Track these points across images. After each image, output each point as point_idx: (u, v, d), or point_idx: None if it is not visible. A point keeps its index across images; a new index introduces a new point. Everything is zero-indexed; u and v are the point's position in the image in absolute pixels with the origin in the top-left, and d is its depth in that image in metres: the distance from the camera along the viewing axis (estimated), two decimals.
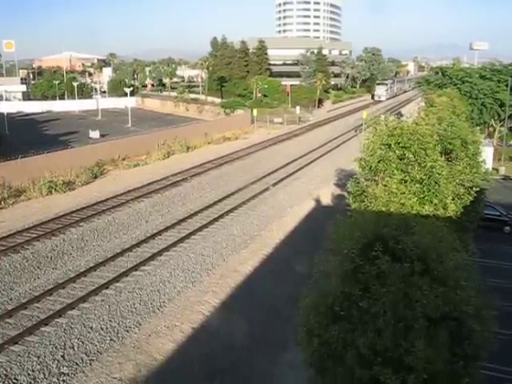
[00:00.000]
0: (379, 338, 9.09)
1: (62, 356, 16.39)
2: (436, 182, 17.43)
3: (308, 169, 46.19)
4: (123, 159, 48.67)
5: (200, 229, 28.69)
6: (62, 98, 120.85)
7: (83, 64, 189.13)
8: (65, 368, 15.88)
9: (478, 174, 21.71)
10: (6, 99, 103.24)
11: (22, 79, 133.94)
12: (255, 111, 74.41)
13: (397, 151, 17.71)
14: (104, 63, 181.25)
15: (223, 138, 63.94)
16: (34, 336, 17.45)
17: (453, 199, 18.39)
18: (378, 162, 18.08)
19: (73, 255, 25.25)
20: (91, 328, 18.06)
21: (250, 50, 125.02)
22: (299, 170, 45.08)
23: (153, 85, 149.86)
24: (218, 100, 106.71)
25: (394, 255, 9.80)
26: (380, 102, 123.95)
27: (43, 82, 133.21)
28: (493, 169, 45.04)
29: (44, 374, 15.49)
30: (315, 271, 11.65)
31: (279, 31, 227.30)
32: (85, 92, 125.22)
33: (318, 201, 36.05)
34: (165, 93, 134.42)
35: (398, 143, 17.81)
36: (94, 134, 64.92)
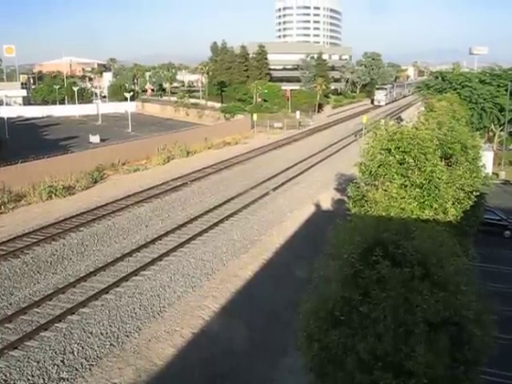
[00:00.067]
0: (379, 343, 9.07)
1: (62, 361, 16.36)
2: (436, 187, 17.42)
3: (308, 173, 46.20)
4: (123, 164, 48.73)
5: (200, 233, 28.68)
6: (62, 102, 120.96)
7: (83, 69, 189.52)
8: (64, 373, 15.85)
9: (478, 179, 21.71)
10: (7, 104, 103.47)
11: (22, 84, 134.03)
12: (255, 116, 74.50)
13: (397, 156, 17.71)
14: (104, 68, 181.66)
15: (223, 143, 64.00)
16: (33, 341, 17.42)
17: (453, 204, 18.39)
18: (378, 166, 18.08)
19: (73, 260, 25.23)
20: (91, 333, 18.03)
21: (250, 55, 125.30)
22: (299, 175, 45.09)
23: (153, 90, 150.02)
24: (218, 105, 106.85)
25: (394, 260, 9.80)
26: (380, 106, 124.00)
27: (43, 86, 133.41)
28: (493, 173, 45.01)
29: (43, 380, 15.46)
30: (315, 276, 11.63)
31: (279, 36, 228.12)
32: (85, 97, 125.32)
33: (318, 205, 36.04)
34: (165, 98, 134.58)
35: (398, 148, 17.81)
36: (94, 139, 65.00)
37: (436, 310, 9.18)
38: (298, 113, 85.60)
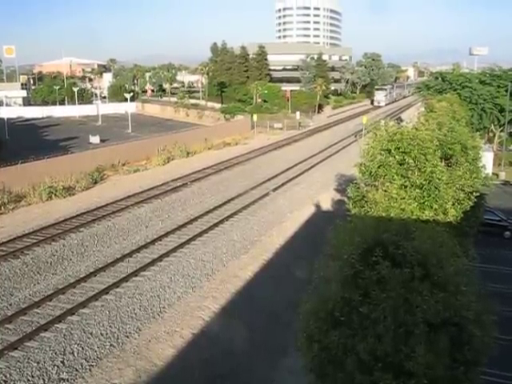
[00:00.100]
0: (379, 344, 9.07)
1: (62, 362, 16.36)
2: (436, 188, 17.42)
3: (308, 174, 46.21)
4: (123, 164, 48.73)
5: (200, 234, 28.68)
6: (62, 103, 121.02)
7: (83, 69, 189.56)
8: (64, 374, 15.85)
9: (478, 179, 21.70)
10: (7, 104, 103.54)
11: (22, 85, 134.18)
12: (255, 117, 74.53)
13: (397, 156, 17.72)
14: (104, 69, 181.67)
15: (223, 144, 64.02)
16: (33, 342, 17.42)
17: (453, 204, 18.39)
18: (378, 167, 18.08)
19: (73, 260, 25.23)
20: (91, 333, 18.03)
21: (250, 56, 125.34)
22: (299, 176, 45.10)
23: (153, 90, 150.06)
24: (217, 105, 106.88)
25: (394, 260, 9.80)
26: (379, 107, 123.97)
27: (43, 87, 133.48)
28: (493, 174, 45.03)
29: (43, 380, 15.46)
30: (315, 276, 11.64)
31: (279, 37, 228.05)
32: (85, 97, 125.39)
33: (318, 206, 36.05)
34: (165, 98, 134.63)
35: (398, 148, 17.82)
36: (94, 140, 65.04)
37: (436, 310, 9.18)
38: (297, 113, 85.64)
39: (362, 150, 19.17)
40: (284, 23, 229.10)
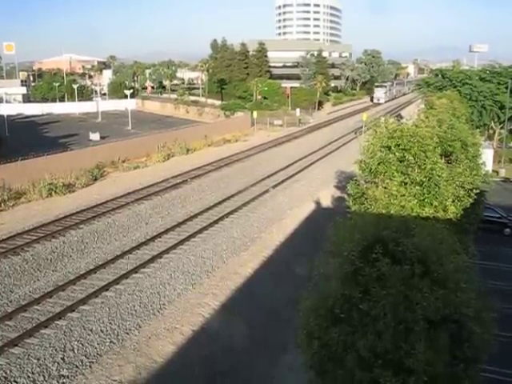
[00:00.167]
0: (379, 341, 9.08)
1: (62, 358, 16.37)
2: (436, 184, 17.43)
3: (308, 171, 46.19)
4: (123, 161, 48.68)
5: (200, 231, 28.68)
6: (62, 100, 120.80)
7: (83, 66, 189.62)
8: (64, 370, 15.86)
9: (478, 176, 21.67)
10: (6, 101, 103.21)
11: (22, 81, 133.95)
12: (255, 113, 74.41)
13: (397, 153, 17.72)
14: (104, 65, 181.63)
15: (223, 141, 63.96)
16: (33, 338, 17.43)
17: (453, 201, 18.38)
18: (378, 164, 18.09)
19: (73, 257, 25.24)
20: (91, 330, 18.04)
21: (250, 53, 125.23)
22: (299, 172, 45.07)
23: (153, 87, 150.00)
24: (218, 102, 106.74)
25: (394, 257, 9.80)
26: (379, 104, 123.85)
27: (43, 84, 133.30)
28: (493, 171, 44.98)
29: (44, 377, 15.47)
30: (315, 273, 11.65)
31: (279, 33, 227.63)
32: (85, 94, 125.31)
33: (318, 203, 36.05)
34: (165, 95, 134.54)
35: (398, 145, 17.82)
36: (94, 136, 64.98)
37: (436, 307, 9.19)
38: (297, 110, 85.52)
39: (362, 147, 19.17)
40: (284, 20, 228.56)
